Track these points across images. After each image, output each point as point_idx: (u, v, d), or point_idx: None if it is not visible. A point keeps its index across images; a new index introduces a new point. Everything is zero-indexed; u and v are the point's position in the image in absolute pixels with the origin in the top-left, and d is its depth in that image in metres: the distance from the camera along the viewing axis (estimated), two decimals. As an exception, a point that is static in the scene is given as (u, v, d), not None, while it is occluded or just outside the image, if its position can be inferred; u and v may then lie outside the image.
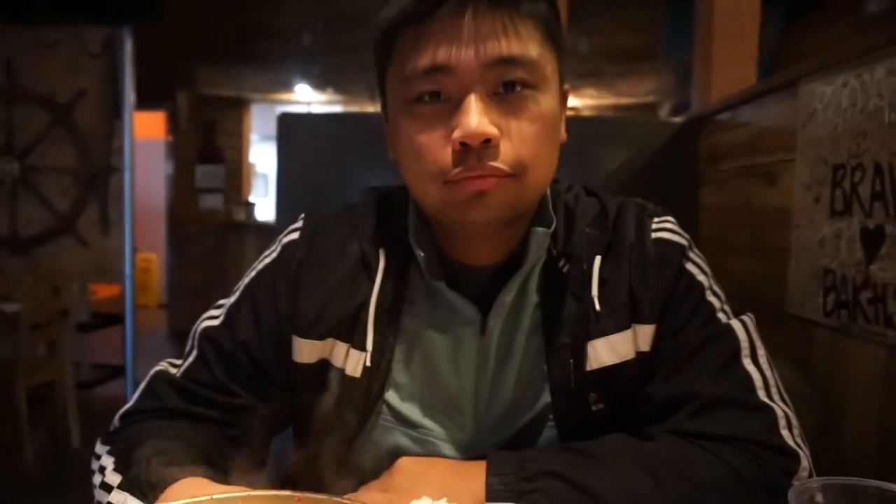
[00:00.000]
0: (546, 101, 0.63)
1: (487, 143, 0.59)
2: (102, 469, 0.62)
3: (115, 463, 0.62)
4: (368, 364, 0.68)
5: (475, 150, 0.59)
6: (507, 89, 0.61)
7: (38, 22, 3.34)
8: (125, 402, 0.71)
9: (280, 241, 0.75)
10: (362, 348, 0.68)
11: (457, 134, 0.59)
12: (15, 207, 3.41)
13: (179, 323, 5.94)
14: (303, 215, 0.76)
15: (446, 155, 0.61)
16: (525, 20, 0.61)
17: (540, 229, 0.67)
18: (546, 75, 0.63)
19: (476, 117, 0.59)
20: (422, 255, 0.67)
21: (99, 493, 0.61)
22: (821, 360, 1.03)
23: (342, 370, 0.69)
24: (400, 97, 0.64)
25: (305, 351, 0.69)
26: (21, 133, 3.40)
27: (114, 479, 0.61)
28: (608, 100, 5.68)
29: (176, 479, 0.58)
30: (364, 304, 0.69)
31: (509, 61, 0.60)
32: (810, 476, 0.61)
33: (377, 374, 0.69)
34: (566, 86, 0.70)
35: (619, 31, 5.77)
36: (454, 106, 0.61)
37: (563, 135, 0.69)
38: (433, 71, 0.60)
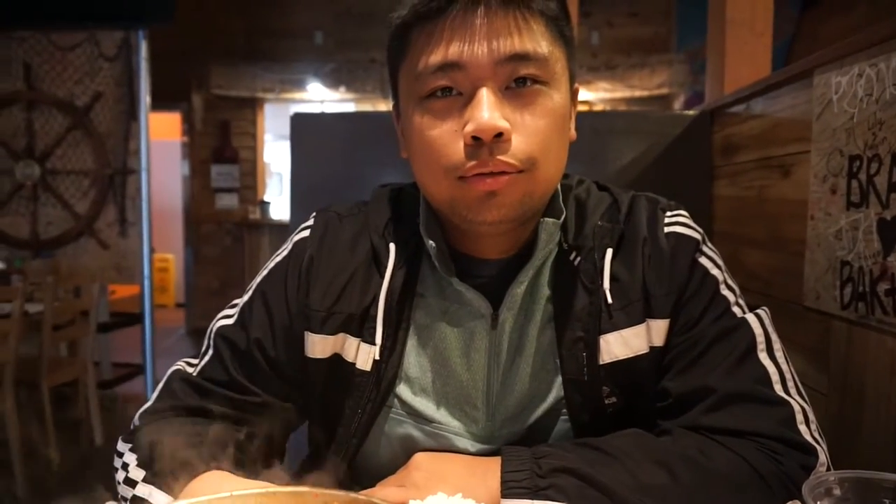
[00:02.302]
0: (556, 97, 0.63)
1: (499, 137, 0.60)
2: (126, 466, 0.64)
3: (138, 459, 0.63)
4: (378, 357, 0.68)
5: (487, 144, 0.60)
6: (518, 84, 0.61)
7: (54, 27, 3.39)
8: (145, 399, 0.73)
9: (291, 239, 0.76)
10: (372, 342, 0.69)
11: (469, 128, 0.60)
12: (36, 210, 3.47)
13: (197, 321, 6.01)
14: (314, 214, 0.77)
15: (458, 149, 0.61)
16: (536, 17, 0.62)
17: (549, 220, 0.67)
18: (556, 72, 0.63)
19: (488, 111, 0.59)
20: (432, 244, 0.68)
21: (123, 489, 0.62)
22: (838, 353, 1.02)
23: (353, 364, 0.70)
24: (412, 94, 0.64)
25: (318, 346, 0.70)
26: (40, 137, 3.45)
27: (138, 474, 0.62)
28: (621, 93, 5.63)
29: (199, 472, 0.59)
30: (375, 298, 0.69)
31: (521, 57, 0.60)
32: (828, 470, 0.60)
33: (387, 368, 0.69)
34: (576, 85, 0.70)
35: (630, 24, 5.73)
36: (466, 100, 0.61)
37: (573, 133, 0.69)
38: (446, 67, 0.61)
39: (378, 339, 0.68)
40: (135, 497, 0.61)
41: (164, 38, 4.13)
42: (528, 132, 0.61)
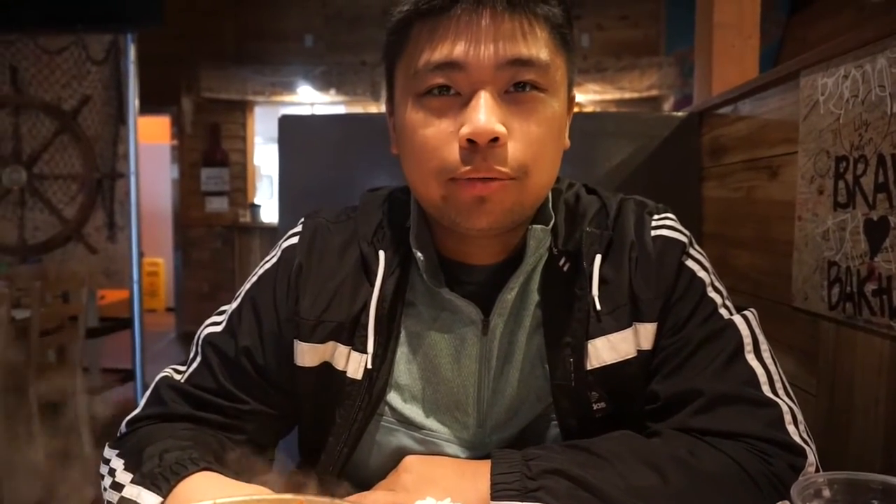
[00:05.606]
0: (555, 105, 0.63)
1: (494, 143, 0.59)
2: (112, 471, 0.63)
3: (126, 464, 0.62)
4: (370, 366, 0.68)
5: (481, 149, 0.59)
6: (517, 89, 0.61)
7: (42, 30, 3.36)
8: (135, 405, 0.72)
9: (280, 246, 0.75)
10: (363, 350, 0.68)
11: (465, 130, 0.59)
12: (23, 215, 3.44)
13: (187, 326, 5.97)
14: (302, 220, 0.77)
15: (452, 151, 0.61)
16: (541, 23, 0.61)
17: (538, 227, 0.67)
18: (556, 80, 0.63)
19: (485, 115, 0.59)
20: (421, 258, 0.68)
21: (110, 495, 0.61)
22: (826, 354, 1.02)
23: (343, 373, 0.69)
24: (409, 90, 0.64)
25: (307, 355, 0.70)
26: (27, 141, 3.42)
27: (125, 477, 0.61)
28: (611, 95, 5.66)
29: (189, 473, 0.58)
30: (365, 306, 0.69)
31: (523, 63, 0.60)
32: (816, 471, 0.60)
33: (378, 376, 0.69)
34: (573, 91, 0.70)
35: (620, 27, 5.77)
36: (463, 101, 0.61)
37: (567, 142, 0.69)
38: (446, 66, 0.60)
39: (370, 347, 0.68)
40: (122, 499, 0.59)
41: (153, 41, 4.11)
42: (524, 140, 0.61)
